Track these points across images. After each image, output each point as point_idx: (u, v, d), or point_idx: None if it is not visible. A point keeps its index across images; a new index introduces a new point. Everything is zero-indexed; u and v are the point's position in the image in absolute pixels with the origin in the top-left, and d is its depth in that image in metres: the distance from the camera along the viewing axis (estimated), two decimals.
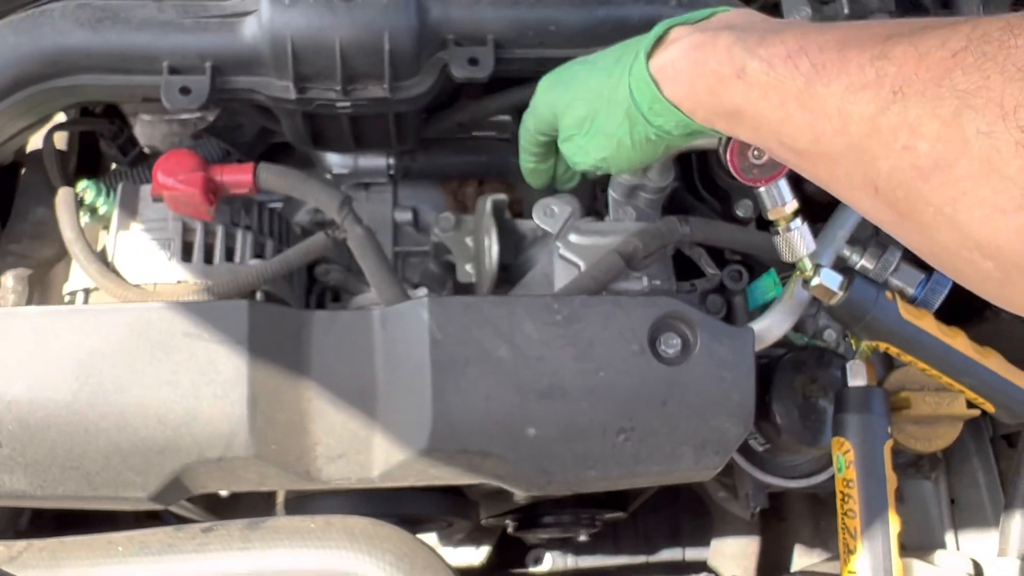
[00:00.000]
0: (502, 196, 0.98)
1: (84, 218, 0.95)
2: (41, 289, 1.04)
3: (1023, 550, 1.04)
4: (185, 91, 0.88)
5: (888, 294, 0.87)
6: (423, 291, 1.00)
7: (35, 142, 1.09)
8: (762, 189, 0.80)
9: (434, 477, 0.82)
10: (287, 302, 0.95)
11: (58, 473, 0.78)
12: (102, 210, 0.95)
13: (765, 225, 0.85)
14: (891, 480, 0.87)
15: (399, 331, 0.81)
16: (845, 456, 0.88)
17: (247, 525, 0.84)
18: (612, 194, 0.97)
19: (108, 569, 0.82)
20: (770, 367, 0.97)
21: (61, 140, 1.13)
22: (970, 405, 0.94)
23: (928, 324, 0.87)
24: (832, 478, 0.91)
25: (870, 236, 0.96)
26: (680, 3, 0.93)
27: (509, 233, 1.00)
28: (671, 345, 0.82)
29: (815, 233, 0.84)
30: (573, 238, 0.93)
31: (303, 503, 1.05)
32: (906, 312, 0.87)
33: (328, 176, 1.11)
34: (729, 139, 0.76)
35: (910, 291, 0.91)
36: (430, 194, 1.15)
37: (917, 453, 1.06)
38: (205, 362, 0.78)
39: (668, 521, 1.67)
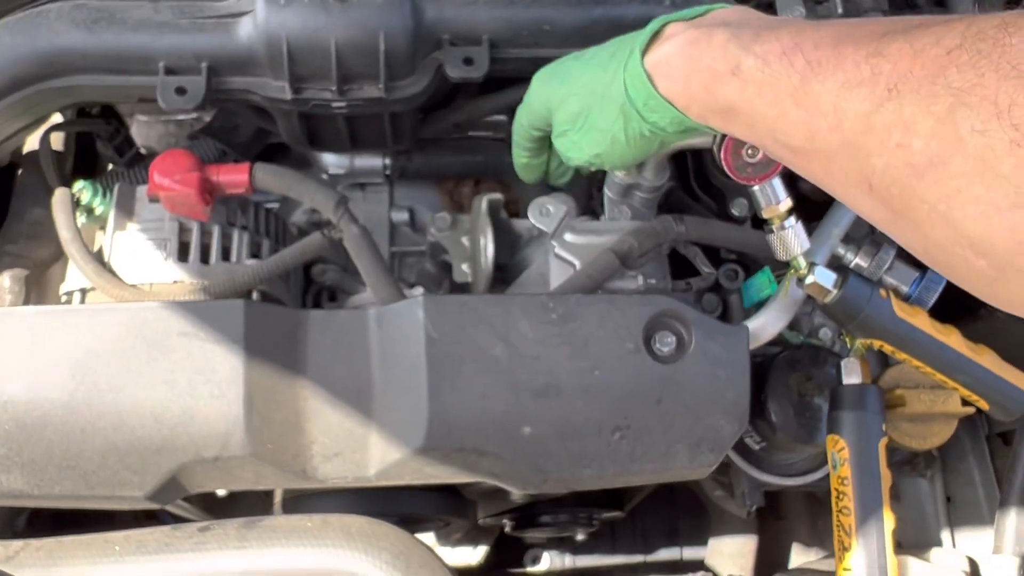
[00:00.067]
0: (498, 196, 0.99)
1: (80, 218, 0.95)
2: (38, 289, 1.04)
3: (1018, 547, 1.04)
4: (181, 91, 0.88)
5: (882, 292, 0.87)
6: (419, 290, 1.01)
7: (32, 143, 1.09)
8: (756, 187, 0.80)
9: (430, 476, 0.82)
10: (283, 302, 0.95)
11: (55, 472, 0.78)
12: (98, 210, 0.95)
13: (760, 224, 0.85)
14: (886, 477, 0.88)
15: (395, 330, 0.81)
16: (840, 453, 0.88)
17: (244, 524, 0.84)
18: (607, 193, 0.97)
19: (105, 568, 0.82)
20: (765, 365, 0.98)
21: (58, 141, 1.13)
22: (965, 403, 0.94)
23: (922, 322, 0.88)
24: (828, 476, 0.92)
25: (864, 235, 0.96)
26: (674, 2, 0.93)
27: (505, 232, 1.00)
28: (666, 343, 0.82)
29: (809, 232, 0.84)
30: (568, 237, 0.93)
31: (300, 503, 1.05)
32: (900, 310, 0.87)
33: (324, 176, 1.11)
34: (723, 137, 0.77)
35: (904, 289, 0.92)
36: (426, 194, 1.16)
37: (912, 451, 1.06)
38: (201, 361, 0.78)
39: (666, 520, 1.67)
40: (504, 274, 0.99)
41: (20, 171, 1.11)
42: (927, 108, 0.48)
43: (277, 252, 0.92)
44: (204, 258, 0.92)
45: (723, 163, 0.78)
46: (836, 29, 0.57)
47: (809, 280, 0.85)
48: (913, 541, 1.21)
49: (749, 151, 0.77)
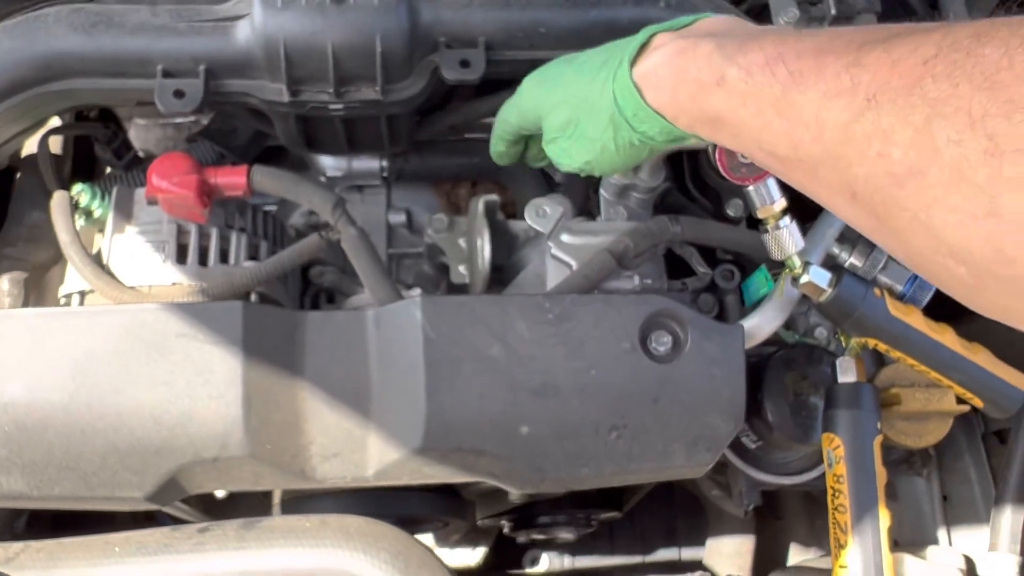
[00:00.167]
0: (494, 197, 0.99)
1: (79, 221, 0.95)
2: (37, 292, 1.04)
3: (1014, 545, 1.05)
4: (179, 94, 0.89)
5: (877, 291, 0.87)
6: (417, 291, 1.01)
7: (30, 146, 1.09)
8: (751, 188, 0.80)
9: (428, 476, 0.83)
10: (281, 303, 0.95)
11: (55, 474, 0.78)
12: (97, 213, 0.96)
13: (756, 224, 0.86)
14: (881, 475, 0.88)
15: (393, 331, 0.82)
16: (835, 452, 0.88)
17: (243, 525, 0.84)
18: (603, 194, 0.98)
19: (105, 570, 0.82)
20: (761, 365, 0.98)
21: (56, 144, 1.14)
22: (959, 401, 0.95)
23: (916, 320, 0.88)
24: (825, 474, 0.92)
25: (859, 234, 0.97)
26: (668, 4, 0.94)
27: (502, 234, 1.00)
28: (662, 343, 0.82)
29: (804, 231, 0.84)
30: (565, 238, 0.93)
31: (299, 504, 1.06)
32: (894, 309, 0.87)
33: (322, 178, 1.12)
34: None
35: (899, 288, 0.92)
36: (423, 196, 1.16)
37: (908, 449, 1.07)
38: (200, 363, 0.78)
39: (664, 521, 1.67)
40: (501, 275, 1.00)
41: (19, 174, 1.12)
42: (905, 118, 0.48)
43: (275, 254, 0.93)
44: (202, 260, 0.92)
45: (718, 164, 0.79)
46: (819, 39, 0.58)
47: (804, 279, 0.86)
48: (910, 539, 1.21)
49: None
